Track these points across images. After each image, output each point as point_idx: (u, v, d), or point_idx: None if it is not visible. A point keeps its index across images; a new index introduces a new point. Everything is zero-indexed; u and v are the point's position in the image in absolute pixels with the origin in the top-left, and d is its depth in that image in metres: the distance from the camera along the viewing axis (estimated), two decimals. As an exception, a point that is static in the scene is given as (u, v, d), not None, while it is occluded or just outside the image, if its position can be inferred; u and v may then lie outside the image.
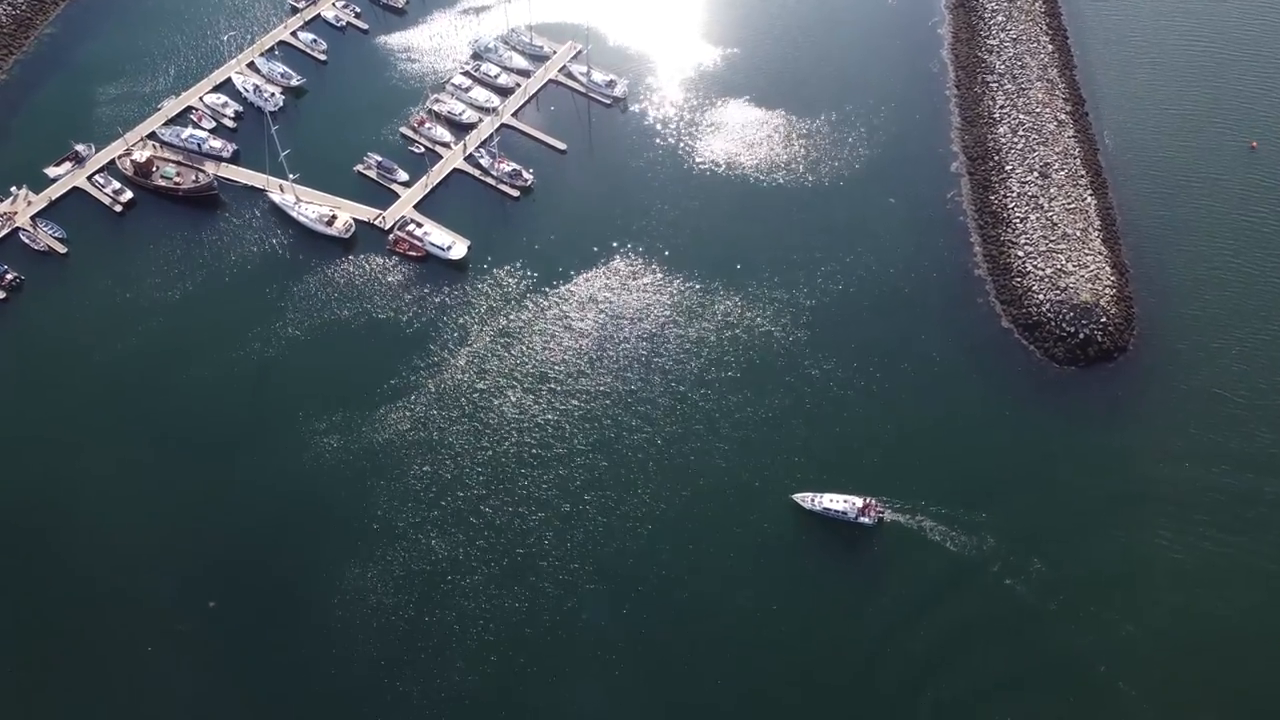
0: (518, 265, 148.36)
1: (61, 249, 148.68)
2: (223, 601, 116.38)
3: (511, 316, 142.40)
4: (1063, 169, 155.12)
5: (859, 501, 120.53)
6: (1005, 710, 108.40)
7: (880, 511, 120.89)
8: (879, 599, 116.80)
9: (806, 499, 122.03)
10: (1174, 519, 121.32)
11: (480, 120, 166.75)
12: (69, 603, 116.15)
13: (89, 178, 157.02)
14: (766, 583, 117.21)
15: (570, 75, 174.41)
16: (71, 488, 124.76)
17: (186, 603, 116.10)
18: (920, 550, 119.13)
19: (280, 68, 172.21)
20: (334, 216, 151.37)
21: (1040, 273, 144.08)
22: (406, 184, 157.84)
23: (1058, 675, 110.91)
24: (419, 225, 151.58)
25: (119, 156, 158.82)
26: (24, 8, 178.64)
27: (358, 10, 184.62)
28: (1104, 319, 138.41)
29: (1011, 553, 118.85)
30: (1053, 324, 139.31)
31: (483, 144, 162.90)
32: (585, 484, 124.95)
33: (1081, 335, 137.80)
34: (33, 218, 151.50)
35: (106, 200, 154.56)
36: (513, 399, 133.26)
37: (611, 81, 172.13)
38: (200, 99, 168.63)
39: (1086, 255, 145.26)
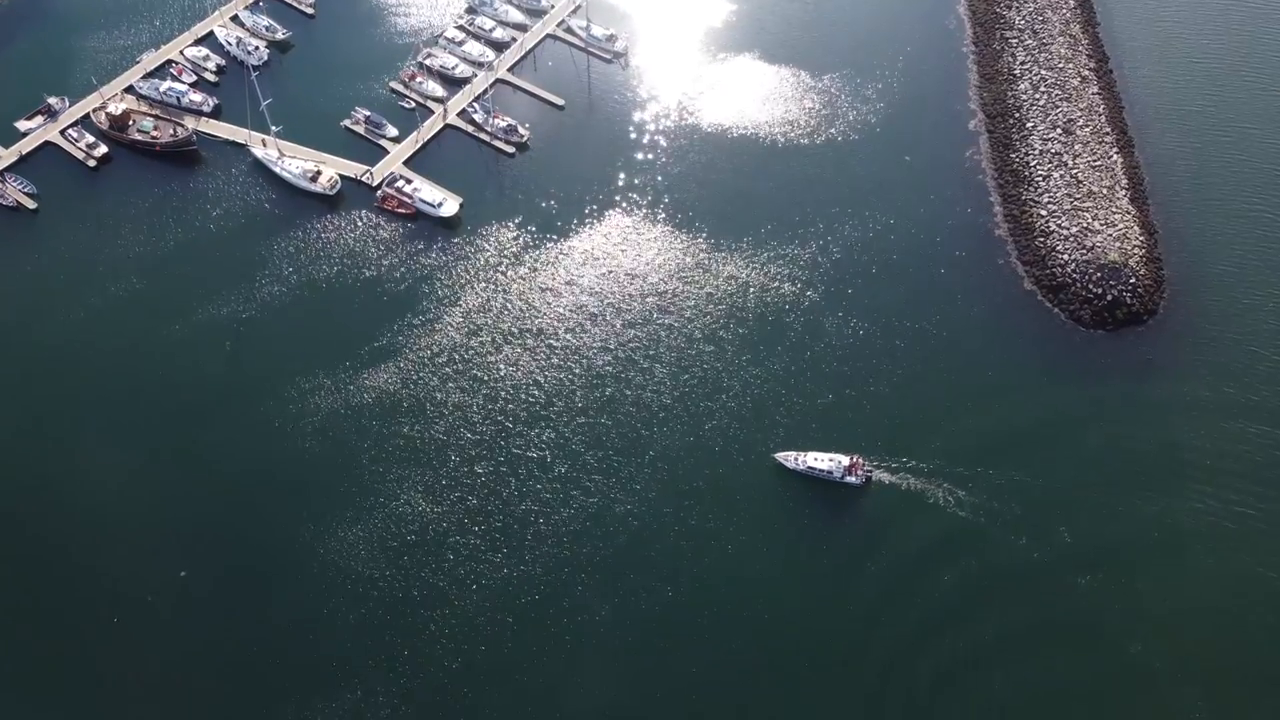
0: (513, 222, 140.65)
1: (31, 205, 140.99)
2: (195, 571, 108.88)
3: (507, 274, 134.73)
4: (1087, 125, 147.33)
5: (845, 460, 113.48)
6: (1015, 684, 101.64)
7: (868, 470, 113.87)
8: (870, 563, 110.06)
9: (790, 458, 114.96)
10: (1209, 482, 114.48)
11: (474, 75, 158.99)
12: (29, 572, 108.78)
13: (62, 132, 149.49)
14: (762, 549, 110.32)
15: (569, 30, 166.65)
16: (38, 452, 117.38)
17: (156, 572, 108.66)
18: (917, 512, 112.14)
19: (265, 20, 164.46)
20: (318, 172, 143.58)
21: (1065, 232, 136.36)
22: (396, 140, 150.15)
23: (1073, 645, 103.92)
24: (408, 182, 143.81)
25: (94, 110, 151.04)
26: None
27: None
28: (1133, 280, 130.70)
29: (1024, 516, 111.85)
30: (1078, 285, 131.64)
31: (477, 99, 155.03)
32: (587, 444, 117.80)
33: (1109, 297, 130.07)
34: (2, 172, 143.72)
35: (80, 155, 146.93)
36: (509, 357, 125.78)
37: (612, 36, 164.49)
38: (181, 52, 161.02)
39: (1114, 214, 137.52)
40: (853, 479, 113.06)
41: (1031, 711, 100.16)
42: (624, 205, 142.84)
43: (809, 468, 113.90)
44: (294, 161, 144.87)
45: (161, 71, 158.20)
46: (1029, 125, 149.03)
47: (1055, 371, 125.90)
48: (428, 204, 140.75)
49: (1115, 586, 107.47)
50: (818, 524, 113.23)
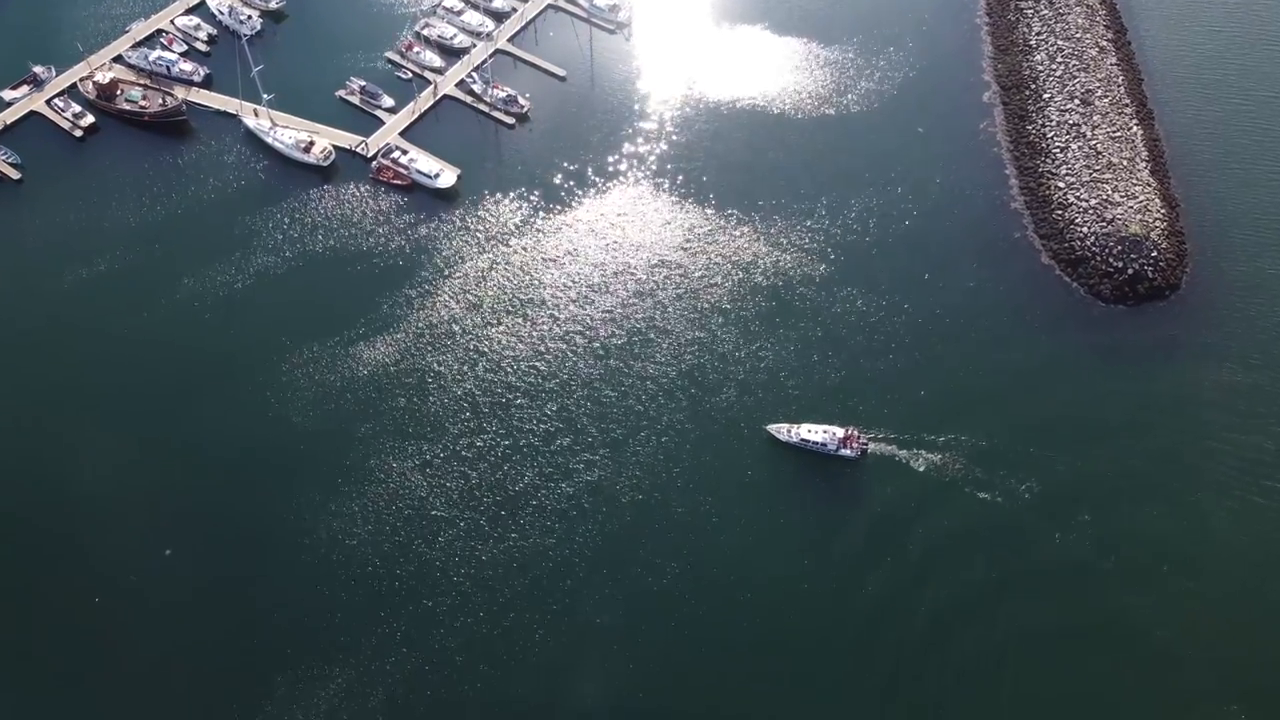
0: (513, 194, 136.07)
1: (15, 175, 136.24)
2: (183, 551, 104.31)
3: (508, 245, 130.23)
4: (1106, 96, 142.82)
5: (839, 432, 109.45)
6: (1026, 667, 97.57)
7: (863, 443, 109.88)
8: (869, 540, 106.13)
9: (782, 430, 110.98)
10: (1237, 458, 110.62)
11: (473, 46, 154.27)
12: (9, 553, 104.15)
13: (48, 101, 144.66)
14: (761, 525, 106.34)
15: (571, 0, 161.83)
16: (20, 430, 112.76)
17: (142, 552, 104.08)
18: (919, 488, 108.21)
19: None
20: (311, 142, 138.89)
21: (1084, 204, 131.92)
22: (392, 110, 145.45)
23: (1091, 627, 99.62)
24: (404, 153, 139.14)
25: (81, 79, 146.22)
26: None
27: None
28: (1154, 253, 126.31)
29: (1040, 493, 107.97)
30: (1098, 259, 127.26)
31: (476, 69, 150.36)
32: (590, 416, 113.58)
33: (1130, 271, 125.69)
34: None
35: (66, 125, 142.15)
36: (510, 329, 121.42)
37: (615, 6, 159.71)
38: (171, 21, 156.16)
39: (1135, 185, 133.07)
40: (848, 451, 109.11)
41: (1045, 696, 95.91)
42: (629, 176, 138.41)
43: (802, 440, 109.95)
44: (287, 132, 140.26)
45: (151, 41, 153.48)
46: (1046, 96, 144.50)
47: (1074, 347, 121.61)
48: (424, 175, 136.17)
49: (1136, 566, 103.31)
50: (816, 499, 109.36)
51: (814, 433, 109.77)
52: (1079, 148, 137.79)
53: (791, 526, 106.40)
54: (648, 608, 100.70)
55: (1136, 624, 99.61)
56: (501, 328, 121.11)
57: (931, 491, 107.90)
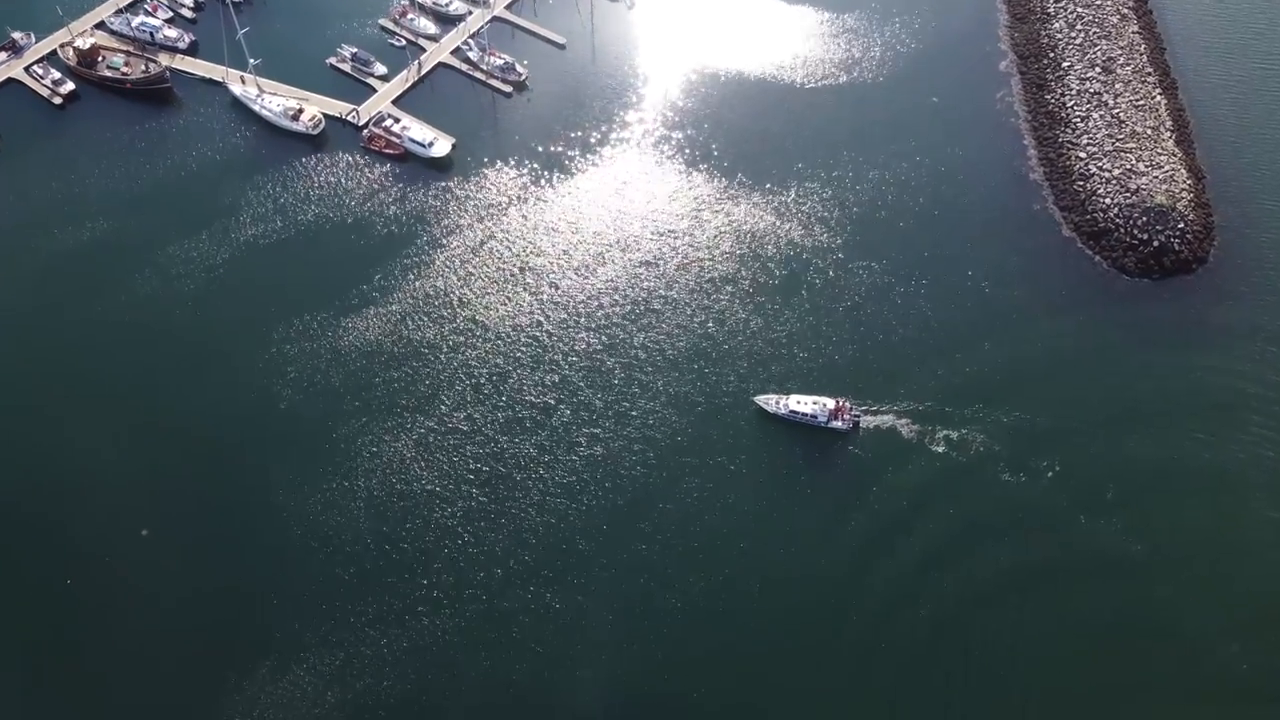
0: (510, 162, 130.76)
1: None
2: (166, 531, 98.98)
3: (505, 214, 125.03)
4: (1128, 64, 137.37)
5: (830, 403, 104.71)
6: (1031, 639, 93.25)
7: (855, 415, 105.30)
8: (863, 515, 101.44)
9: (771, 401, 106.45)
10: (1267, 427, 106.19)
11: (469, 12, 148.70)
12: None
13: (26, 68, 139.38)
14: (762, 498, 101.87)
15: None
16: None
17: (116, 532, 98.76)
18: (925, 461, 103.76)
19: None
20: (300, 110, 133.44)
21: (1106, 174, 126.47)
22: (385, 78, 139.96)
23: (1103, 599, 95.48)
24: (397, 121, 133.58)
25: (61, 45, 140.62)
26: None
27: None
28: (1181, 225, 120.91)
29: (1063, 471, 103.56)
30: (1122, 231, 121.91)
31: (471, 36, 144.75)
32: (592, 387, 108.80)
33: (1156, 243, 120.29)
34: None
35: (45, 92, 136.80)
36: (508, 299, 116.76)
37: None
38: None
39: (1159, 155, 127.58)
40: (838, 424, 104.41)
41: (1051, 664, 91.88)
42: (631, 145, 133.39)
43: (791, 412, 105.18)
44: (274, 99, 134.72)
45: (135, 6, 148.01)
46: (1065, 65, 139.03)
47: (1096, 321, 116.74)
48: (418, 144, 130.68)
49: (1164, 551, 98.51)
50: (812, 472, 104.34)
51: (803, 404, 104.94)
52: (1101, 117, 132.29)
53: (791, 506, 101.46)
54: (647, 587, 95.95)
55: (1163, 612, 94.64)
56: (499, 299, 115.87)
57: (938, 471, 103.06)
